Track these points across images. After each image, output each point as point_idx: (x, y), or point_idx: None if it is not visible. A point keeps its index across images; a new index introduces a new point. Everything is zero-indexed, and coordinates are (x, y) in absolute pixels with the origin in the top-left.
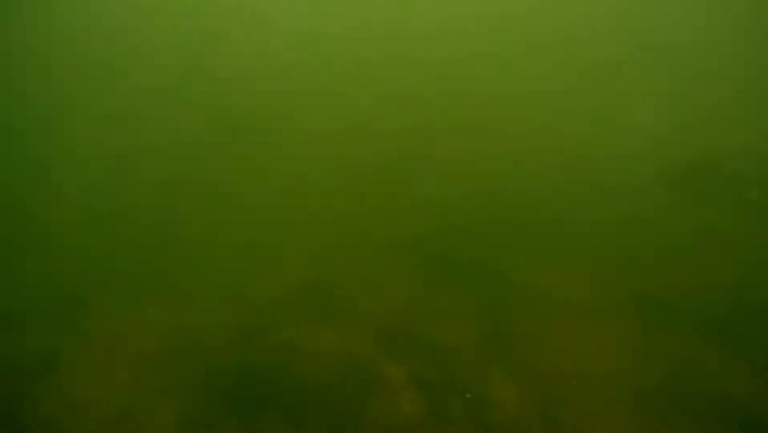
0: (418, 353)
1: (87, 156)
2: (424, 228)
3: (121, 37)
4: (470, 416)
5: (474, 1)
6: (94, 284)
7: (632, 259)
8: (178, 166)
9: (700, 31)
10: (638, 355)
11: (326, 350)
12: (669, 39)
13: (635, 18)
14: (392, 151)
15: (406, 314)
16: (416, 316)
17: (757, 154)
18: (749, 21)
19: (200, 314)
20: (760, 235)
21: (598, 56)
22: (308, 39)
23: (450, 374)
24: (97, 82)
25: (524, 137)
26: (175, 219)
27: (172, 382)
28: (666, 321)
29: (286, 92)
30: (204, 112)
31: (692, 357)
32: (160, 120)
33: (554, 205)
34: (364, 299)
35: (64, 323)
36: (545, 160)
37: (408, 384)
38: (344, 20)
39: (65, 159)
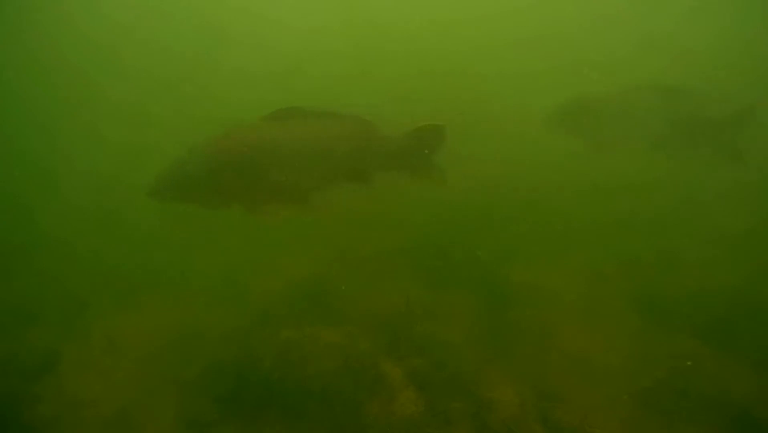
0: (418, 353)
1: (87, 154)
2: (425, 227)
3: (124, 35)
4: (470, 416)
5: None
6: (94, 284)
7: (632, 258)
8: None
9: None
10: (638, 355)
11: (326, 350)
12: None
13: None
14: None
15: (406, 314)
16: (416, 316)
17: None
18: None
19: (200, 314)
20: (761, 235)
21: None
22: (310, 35)
23: (450, 374)
24: (98, 80)
25: (522, 132)
26: (175, 218)
27: (172, 382)
28: (665, 321)
29: (288, 88)
30: (207, 110)
31: (692, 357)
32: (161, 118)
33: (555, 201)
34: (364, 299)
35: (64, 323)
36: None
37: (408, 384)
38: (345, 16)
39: (65, 158)
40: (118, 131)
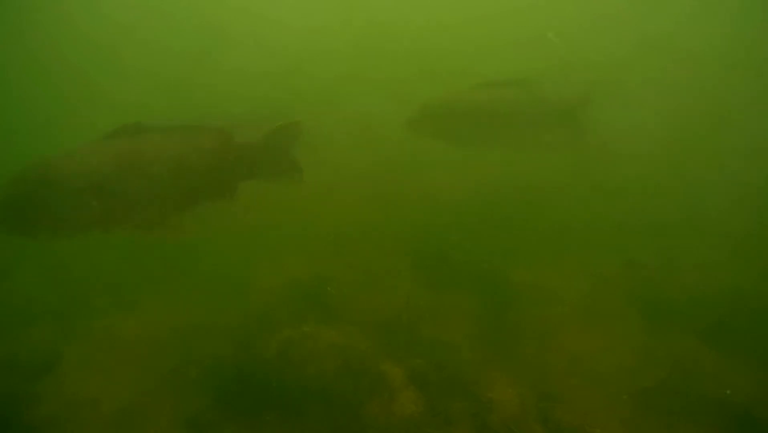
0: (418, 353)
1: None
2: (425, 226)
3: (128, 35)
4: (470, 416)
5: None
6: (94, 283)
7: (632, 258)
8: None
9: None
10: (638, 355)
11: (326, 350)
12: None
13: None
14: (392, 147)
15: (406, 314)
16: (416, 316)
17: None
18: None
19: (199, 315)
20: (761, 235)
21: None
22: (310, 35)
23: (450, 374)
24: (98, 80)
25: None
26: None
27: (172, 382)
28: (666, 322)
29: (288, 87)
30: (208, 109)
31: (692, 357)
32: (163, 117)
33: (556, 202)
34: (364, 299)
35: (64, 323)
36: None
37: (408, 384)
38: (345, 16)
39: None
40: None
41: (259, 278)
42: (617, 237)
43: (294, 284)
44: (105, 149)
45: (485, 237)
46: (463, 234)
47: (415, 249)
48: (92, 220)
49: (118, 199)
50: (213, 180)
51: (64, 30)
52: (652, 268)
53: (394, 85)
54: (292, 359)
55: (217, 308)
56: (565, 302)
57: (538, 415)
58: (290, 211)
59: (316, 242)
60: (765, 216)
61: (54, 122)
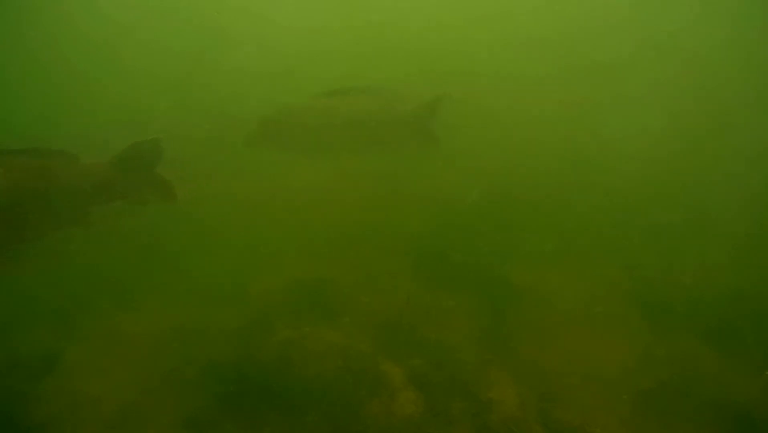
0: (418, 353)
1: (87, 155)
2: (425, 227)
3: (128, 35)
4: (470, 416)
5: None
6: (94, 283)
7: (633, 259)
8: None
9: None
10: (638, 355)
11: (326, 350)
12: None
13: None
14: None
15: (406, 314)
16: (416, 316)
17: None
18: None
19: (199, 314)
20: (761, 237)
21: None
22: (310, 35)
23: (450, 374)
24: (100, 78)
25: (521, 133)
26: (174, 217)
27: (172, 381)
28: (666, 322)
29: (287, 87)
30: (207, 108)
31: (692, 358)
32: (162, 116)
33: (553, 202)
34: (364, 299)
35: (64, 323)
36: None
37: (408, 384)
38: (344, 16)
39: None
40: (119, 132)
41: (259, 279)
42: (617, 238)
43: (294, 284)
44: None
45: (486, 237)
46: (464, 234)
47: (415, 249)
48: None
49: None
50: (58, 207)
51: (64, 30)
52: (652, 268)
53: (395, 86)
54: (292, 359)
55: (217, 309)
56: (565, 302)
57: (538, 415)
58: (289, 213)
59: (316, 242)
60: (765, 217)
61: (54, 122)
